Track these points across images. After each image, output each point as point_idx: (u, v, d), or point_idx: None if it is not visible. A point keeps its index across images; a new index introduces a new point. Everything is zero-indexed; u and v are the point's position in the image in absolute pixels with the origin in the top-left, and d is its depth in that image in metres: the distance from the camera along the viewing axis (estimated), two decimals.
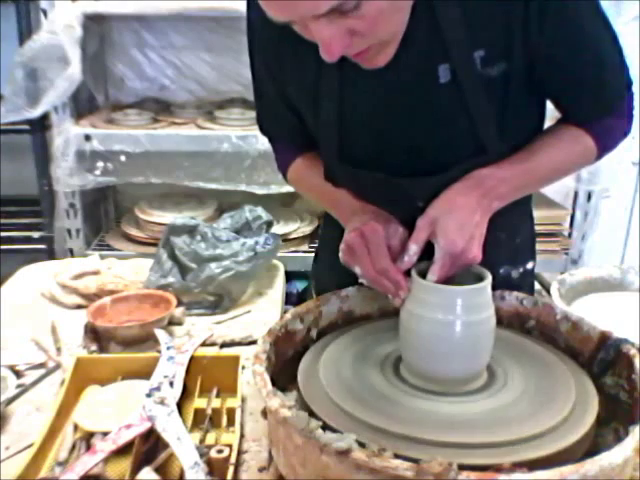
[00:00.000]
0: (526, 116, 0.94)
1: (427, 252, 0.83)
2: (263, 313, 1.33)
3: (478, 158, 0.89)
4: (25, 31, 2.02)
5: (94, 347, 1.13)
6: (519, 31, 0.82)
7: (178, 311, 1.26)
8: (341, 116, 0.93)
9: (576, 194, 2.23)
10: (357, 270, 0.86)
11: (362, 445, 0.65)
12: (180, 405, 0.90)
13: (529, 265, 1.11)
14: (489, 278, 0.81)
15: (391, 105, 0.90)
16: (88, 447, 0.84)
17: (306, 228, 2.32)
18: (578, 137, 0.94)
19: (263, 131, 1.12)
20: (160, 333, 1.10)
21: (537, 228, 1.15)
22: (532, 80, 0.88)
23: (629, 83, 0.94)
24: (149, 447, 0.85)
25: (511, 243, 1.06)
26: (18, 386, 1.00)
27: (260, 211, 1.51)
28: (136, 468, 0.80)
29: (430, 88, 0.87)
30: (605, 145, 0.96)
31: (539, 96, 0.94)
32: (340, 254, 0.89)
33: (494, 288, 0.82)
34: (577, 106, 0.94)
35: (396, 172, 0.92)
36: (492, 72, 0.85)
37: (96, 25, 2.18)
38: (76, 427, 0.89)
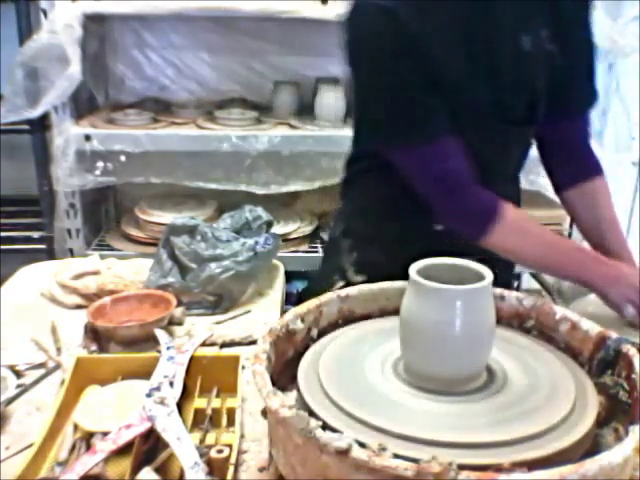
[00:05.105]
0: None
1: (427, 253, 0.83)
2: (263, 313, 1.33)
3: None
4: (25, 31, 2.01)
5: (94, 347, 1.13)
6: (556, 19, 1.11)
7: (178, 311, 1.26)
8: (490, 65, 1.06)
9: None
10: None
11: (362, 445, 0.65)
12: (180, 405, 0.90)
13: None
14: (489, 278, 0.81)
15: (533, 57, 1.10)
16: (88, 447, 0.84)
17: (306, 228, 2.31)
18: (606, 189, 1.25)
19: (424, 136, 1.05)
20: (160, 333, 1.10)
21: None
22: None
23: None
24: (149, 447, 0.85)
25: None
26: (18, 386, 1.00)
27: (260, 211, 1.51)
28: (136, 468, 0.80)
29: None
30: (588, 135, 1.26)
31: None
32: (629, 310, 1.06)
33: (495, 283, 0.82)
34: (577, 93, 1.19)
35: (518, 123, 1.12)
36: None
37: (96, 25, 2.18)
38: (76, 427, 0.89)
